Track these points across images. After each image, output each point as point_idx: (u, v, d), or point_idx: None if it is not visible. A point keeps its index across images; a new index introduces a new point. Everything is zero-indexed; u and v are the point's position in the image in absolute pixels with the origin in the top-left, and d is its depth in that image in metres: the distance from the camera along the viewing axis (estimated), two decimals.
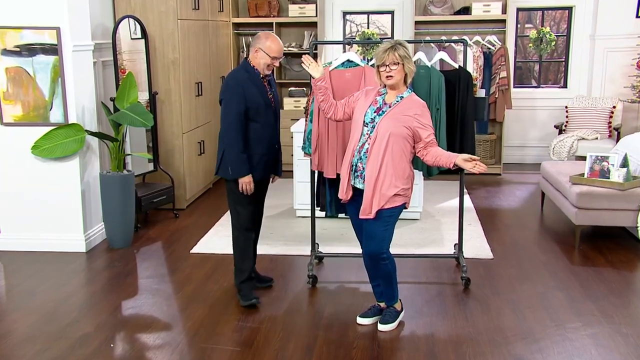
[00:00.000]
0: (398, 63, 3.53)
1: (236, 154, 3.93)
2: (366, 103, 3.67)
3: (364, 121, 3.62)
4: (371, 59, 5.00)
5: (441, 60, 4.72)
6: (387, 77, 3.56)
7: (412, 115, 3.56)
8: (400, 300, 3.92)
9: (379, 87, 3.72)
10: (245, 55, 7.95)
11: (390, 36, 8.55)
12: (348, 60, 4.39)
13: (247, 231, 4.15)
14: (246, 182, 3.98)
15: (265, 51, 3.92)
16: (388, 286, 3.82)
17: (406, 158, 3.60)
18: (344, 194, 3.74)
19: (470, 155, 3.55)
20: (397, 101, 3.61)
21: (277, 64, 3.99)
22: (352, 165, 3.66)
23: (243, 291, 4.17)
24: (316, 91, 3.87)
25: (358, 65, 4.33)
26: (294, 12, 7.93)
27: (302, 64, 3.87)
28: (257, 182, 4.08)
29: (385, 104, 3.63)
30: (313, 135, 4.33)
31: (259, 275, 4.43)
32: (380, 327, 3.80)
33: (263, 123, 3.99)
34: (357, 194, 3.71)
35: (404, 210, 3.72)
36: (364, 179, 3.61)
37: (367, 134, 3.60)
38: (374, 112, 3.62)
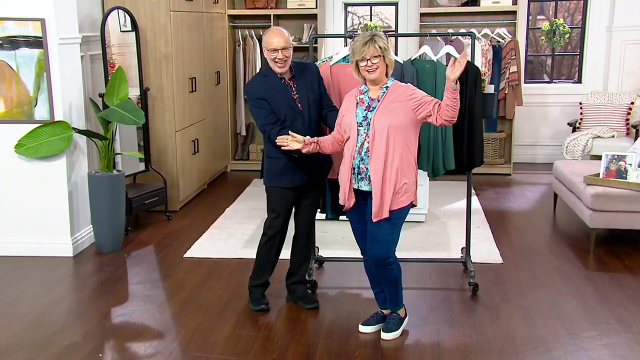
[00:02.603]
0: (379, 55, 3.53)
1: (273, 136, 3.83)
2: (352, 106, 3.68)
3: (357, 122, 3.63)
4: None
5: (448, 55, 4.73)
6: (369, 71, 3.56)
7: (404, 100, 3.55)
8: (404, 306, 3.92)
9: (358, 88, 3.72)
10: (242, 49, 7.98)
11: (394, 29, 8.56)
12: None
13: (270, 237, 4.12)
14: (281, 139, 3.73)
15: (265, 47, 3.88)
16: (393, 292, 3.83)
17: (409, 149, 3.59)
18: (345, 200, 3.73)
19: (450, 65, 3.48)
20: (384, 93, 3.61)
21: (281, 56, 3.82)
22: (354, 168, 3.66)
23: (254, 294, 4.21)
24: (309, 152, 3.79)
25: None
26: (293, 3, 7.93)
27: (282, 147, 3.72)
28: (291, 188, 4.01)
29: (372, 100, 3.63)
30: None
31: (305, 291, 4.31)
32: (383, 335, 3.80)
33: (289, 128, 3.85)
34: (359, 198, 3.70)
35: (410, 210, 3.73)
36: (369, 179, 3.61)
37: (364, 133, 3.60)
38: (365, 111, 3.63)
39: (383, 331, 3.82)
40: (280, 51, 3.81)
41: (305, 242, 4.27)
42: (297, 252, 4.27)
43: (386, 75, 3.62)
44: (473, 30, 7.14)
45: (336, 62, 4.36)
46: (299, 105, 3.92)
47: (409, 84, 3.68)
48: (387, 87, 3.62)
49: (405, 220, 5.82)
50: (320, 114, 4.03)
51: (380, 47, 3.52)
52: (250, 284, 4.24)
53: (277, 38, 3.82)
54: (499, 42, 7.58)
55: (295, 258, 4.27)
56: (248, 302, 4.23)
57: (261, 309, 4.15)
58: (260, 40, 8.00)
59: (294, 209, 4.18)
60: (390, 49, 3.61)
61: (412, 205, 3.69)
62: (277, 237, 4.13)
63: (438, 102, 3.55)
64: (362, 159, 3.62)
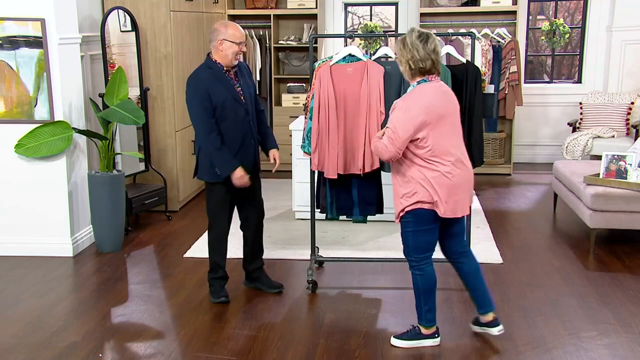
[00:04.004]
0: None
1: (215, 152, 4.00)
2: None
3: None
4: (374, 53, 5.02)
5: (448, 55, 4.74)
6: None
7: (393, 112, 3.50)
8: (433, 327, 3.70)
9: None
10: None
11: (393, 29, 8.56)
12: (350, 55, 4.39)
13: (218, 233, 4.27)
14: (238, 178, 4.04)
15: (230, 40, 3.99)
16: (415, 300, 3.71)
17: (405, 159, 3.50)
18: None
19: None
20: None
21: (244, 49, 4.06)
22: None
23: (213, 287, 4.32)
24: None
25: (360, 59, 4.33)
26: (293, 3, 7.93)
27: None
28: (232, 183, 4.14)
29: None
30: (313, 133, 4.34)
31: (269, 279, 4.50)
32: (392, 339, 3.73)
33: (232, 120, 4.05)
34: None
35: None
36: None
37: None
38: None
39: (393, 336, 3.75)
40: (244, 45, 4.04)
41: (260, 228, 4.43)
42: (253, 240, 4.41)
43: (409, 78, 3.55)
44: (473, 30, 7.15)
45: (336, 62, 4.35)
46: (242, 98, 4.09)
47: (404, 97, 3.52)
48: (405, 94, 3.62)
49: None
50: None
51: (397, 48, 3.53)
52: (209, 276, 4.35)
53: (241, 32, 4.04)
54: (499, 42, 7.58)
55: (253, 246, 4.43)
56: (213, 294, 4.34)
57: (221, 301, 4.26)
58: (260, 41, 8.00)
59: (238, 204, 4.32)
60: (409, 51, 3.44)
61: (424, 210, 3.52)
62: (224, 231, 4.27)
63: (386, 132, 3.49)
64: None
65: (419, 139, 3.43)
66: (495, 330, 3.70)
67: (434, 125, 3.42)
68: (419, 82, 3.50)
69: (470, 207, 3.65)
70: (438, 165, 3.46)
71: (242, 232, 4.44)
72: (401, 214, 3.58)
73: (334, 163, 4.32)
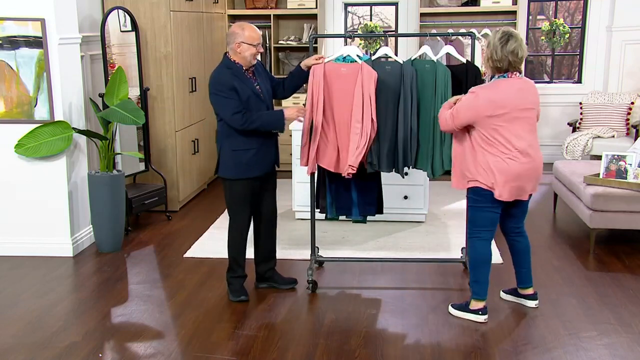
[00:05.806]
0: None
1: (260, 122, 4.06)
2: None
3: None
4: (374, 53, 5.01)
5: (448, 55, 4.73)
6: None
7: None
8: (484, 305, 3.99)
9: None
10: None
11: (393, 29, 8.56)
12: (349, 55, 4.39)
13: (241, 229, 4.26)
14: (292, 116, 4.14)
15: (247, 42, 4.04)
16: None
17: (474, 140, 3.83)
18: None
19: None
20: None
21: (261, 50, 4.13)
22: None
23: (233, 286, 4.32)
24: None
25: (354, 61, 4.32)
26: (293, 3, 7.94)
27: None
28: (257, 177, 4.19)
29: None
30: (304, 128, 4.35)
31: (281, 276, 4.53)
32: (449, 307, 4.11)
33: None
34: None
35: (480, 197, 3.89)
36: None
37: None
38: None
39: (450, 304, 4.13)
40: (261, 45, 4.12)
41: (274, 227, 4.47)
42: (267, 239, 4.43)
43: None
44: (473, 30, 7.14)
45: (331, 60, 4.34)
46: (262, 95, 4.18)
47: (483, 88, 3.81)
48: None
49: (405, 220, 5.83)
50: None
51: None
52: (228, 275, 4.35)
53: (258, 34, 4.11)
54: None
55: (266, 245, 4.43)
56: (227, 293, 4.36)
57: (240, 300, 4.27)
58: None
59: (255, 200, 4.33)
60: (489, 51, 3.76)
61: (482, 190, 3.82)
62: (247, 228, 4.28)
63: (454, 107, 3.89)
64: None
65: (476, 127, 3.75)
66: (532, 303, 4.13)
67: (497, 117, 3.70)
68: (498, 77, 3.80)
69: (531, 193, 3.94)
70: (499, 153, 3.74)
71: (253, 232, 4.43)
72: (467, 186, 3.91)
73: (321, 159, 4.33)
